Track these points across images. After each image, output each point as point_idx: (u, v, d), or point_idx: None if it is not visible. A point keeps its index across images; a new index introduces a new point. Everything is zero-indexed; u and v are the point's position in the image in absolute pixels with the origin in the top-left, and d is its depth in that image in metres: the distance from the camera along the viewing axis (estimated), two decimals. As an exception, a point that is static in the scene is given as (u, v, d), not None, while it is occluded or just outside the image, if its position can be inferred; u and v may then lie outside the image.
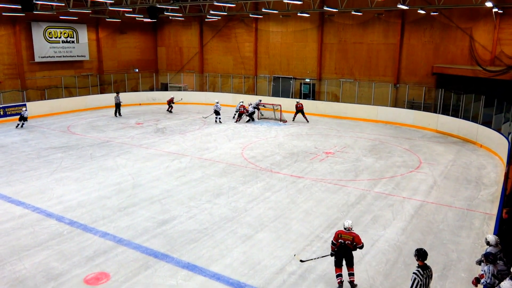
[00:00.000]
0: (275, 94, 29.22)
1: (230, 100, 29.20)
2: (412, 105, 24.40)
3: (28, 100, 25.38)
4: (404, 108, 24.41)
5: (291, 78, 29.00)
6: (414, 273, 6.45)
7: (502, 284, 6.04)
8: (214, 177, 14.31)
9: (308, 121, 24.17)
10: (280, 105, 24.66)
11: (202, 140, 19.62)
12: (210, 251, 9.12)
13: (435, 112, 22.62)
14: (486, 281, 6.70)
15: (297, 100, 25.67)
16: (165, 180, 13.92)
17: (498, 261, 6.97)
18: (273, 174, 14.72)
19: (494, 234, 8.44)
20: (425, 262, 6.51)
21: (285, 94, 28.88)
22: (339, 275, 7.77)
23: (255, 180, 14.04)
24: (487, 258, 6.82)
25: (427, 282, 6.44)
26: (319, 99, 27.79)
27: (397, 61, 25.12)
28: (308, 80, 28.44)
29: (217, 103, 23.94)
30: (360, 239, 7.81)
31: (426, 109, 23.51)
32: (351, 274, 7.83)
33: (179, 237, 9.78)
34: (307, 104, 26.23)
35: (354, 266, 7.88)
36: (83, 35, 29.62)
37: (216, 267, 8.48)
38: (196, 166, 15.52)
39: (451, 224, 10.74)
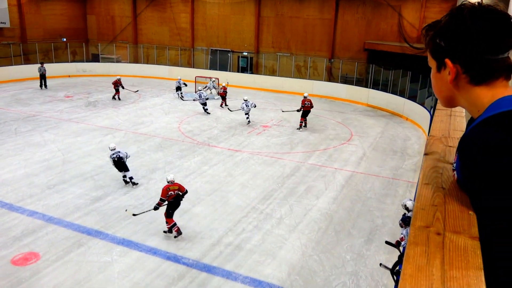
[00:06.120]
0: (213, 67, 28.86)
1: (166, 73, 28.44)
2: (345, 80, 25.26)
3: None
4: (337, 82, 25.22)
5: (229, 51, 28.71)
6: None
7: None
8: (150, 152, 14.05)
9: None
10: (218, 79, 24.43)
11: (137, 114, 19.05)
12: (146, 226, 9.06)
13: (366, 86, 23.61)
14: (406, 244, 7.30)
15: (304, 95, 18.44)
16: (97, 155, 13.44)
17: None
18: (210, 148, 14.73)
19: (414, 200, 9.12)
20: None
21: (223, 67, 28.62)
22: (174, 224, 8.66)
23: (192, 154, 13.97)
24: (405, 221, 7.45)
25: None
26: (257, 73, 27.88)
27: (332, 37, 25.69)
28: (246, 54, 28.35)
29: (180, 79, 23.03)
30: (183, 187, 8.89)
31: (358, 83, 24.45)
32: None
33: (114, 214, 9.59)
34: (245, 78, 26.29)
35: None
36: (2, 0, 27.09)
37: (152, 242, 8.46)
38: (131, 141, 15.11)
39: (378, 192, 11.48)
